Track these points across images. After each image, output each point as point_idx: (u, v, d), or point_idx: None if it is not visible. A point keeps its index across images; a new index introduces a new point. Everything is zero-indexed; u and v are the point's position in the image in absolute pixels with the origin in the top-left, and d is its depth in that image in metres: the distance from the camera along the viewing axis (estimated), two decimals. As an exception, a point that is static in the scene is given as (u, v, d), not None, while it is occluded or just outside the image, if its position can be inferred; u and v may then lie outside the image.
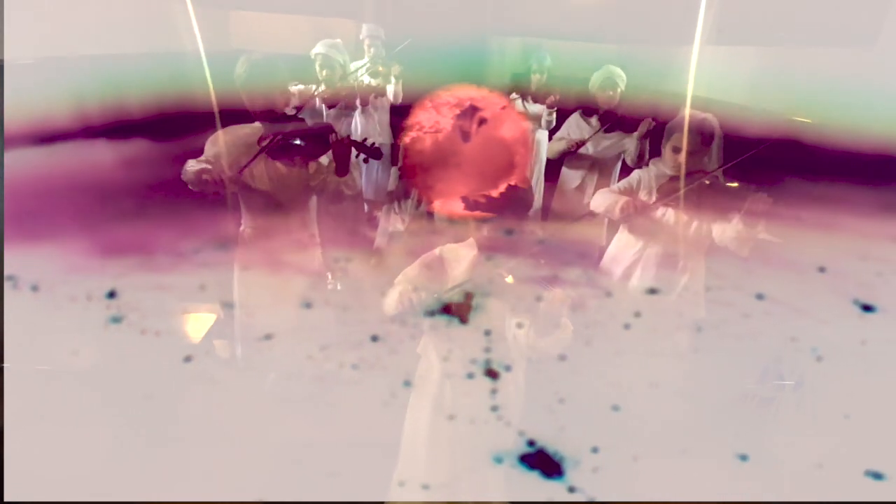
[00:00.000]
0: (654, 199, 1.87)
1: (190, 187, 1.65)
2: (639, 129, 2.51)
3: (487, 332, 1.48)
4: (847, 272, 1.95)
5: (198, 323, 1.87)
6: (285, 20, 3.35)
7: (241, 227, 1.91)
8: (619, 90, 2.61)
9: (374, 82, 2.90)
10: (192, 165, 1.65)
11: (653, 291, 1.92)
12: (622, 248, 2.01)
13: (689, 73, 1.97)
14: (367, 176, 3.03)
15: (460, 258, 1.47)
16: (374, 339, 1.93)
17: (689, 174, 1.80)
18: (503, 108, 2.14)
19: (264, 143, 1.72)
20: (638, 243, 1.96)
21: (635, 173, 1.96)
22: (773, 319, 1.81)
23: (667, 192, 1.84)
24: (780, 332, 1.78)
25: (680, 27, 2.32)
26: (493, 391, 1.46)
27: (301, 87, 2.65)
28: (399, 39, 2.90)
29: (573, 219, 2.27)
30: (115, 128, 2.39)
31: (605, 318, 1.68)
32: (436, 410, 1.47)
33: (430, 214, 2.24)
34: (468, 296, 1.53)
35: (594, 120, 2.68)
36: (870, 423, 1.55)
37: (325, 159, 1.83)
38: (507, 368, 1.48)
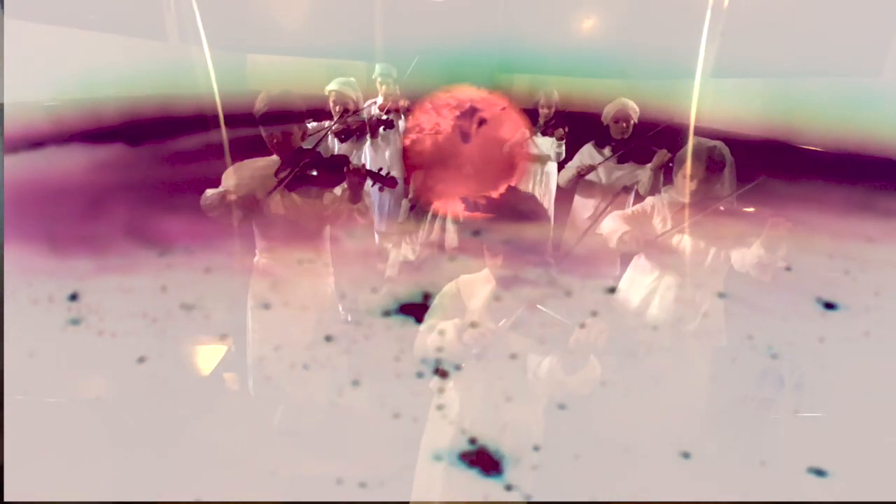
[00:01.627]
0: (668, 226, 1.83)
1: (208, 213, 1.70)
2: (653, 160, 2.50)
3: (441, 332, 1.48)
4: (814, 270, 1.93)
5: (157, 326, 1.89)
6: (299, 63, 3.54)
7: (256, 258, 1.93)
8: (632, 122, 2.63)
9: (389, 118, 3.05)
10: (210, 191, 1.70)
11: (612, 290, 1.91)
12: (638, 276, 1.95)
13: (693, 103, 1.97)
14: (378, 208, 3.09)
15: (477, 292, 1.41)
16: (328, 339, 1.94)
17: (703, 201, 1.77)
18: (503, 109, 2.15)
19: (282, 175, 1.77)
20: (654, 272, 1.90)
21: (648, 199, 1.93)
22: (732, 318, 1.80)
23: (682, 219, 1.80)
24: (736, 331, 1.77)
25: (684, 60, 2.36)
26: (441, 390, 1.46)
27: (315, 123, 2.75)
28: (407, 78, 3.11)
29: (579, 237, 2.16)
30: (90, 134, 2.43)
31: (562, 317, 1.67)
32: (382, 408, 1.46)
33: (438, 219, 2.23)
34: (425, 296, 1.54)
35: (607, 150, 2.69)
36: (817, 419, 1.53)
37: (338, 189, 1.86)
38: (457, 368, 1.48)
